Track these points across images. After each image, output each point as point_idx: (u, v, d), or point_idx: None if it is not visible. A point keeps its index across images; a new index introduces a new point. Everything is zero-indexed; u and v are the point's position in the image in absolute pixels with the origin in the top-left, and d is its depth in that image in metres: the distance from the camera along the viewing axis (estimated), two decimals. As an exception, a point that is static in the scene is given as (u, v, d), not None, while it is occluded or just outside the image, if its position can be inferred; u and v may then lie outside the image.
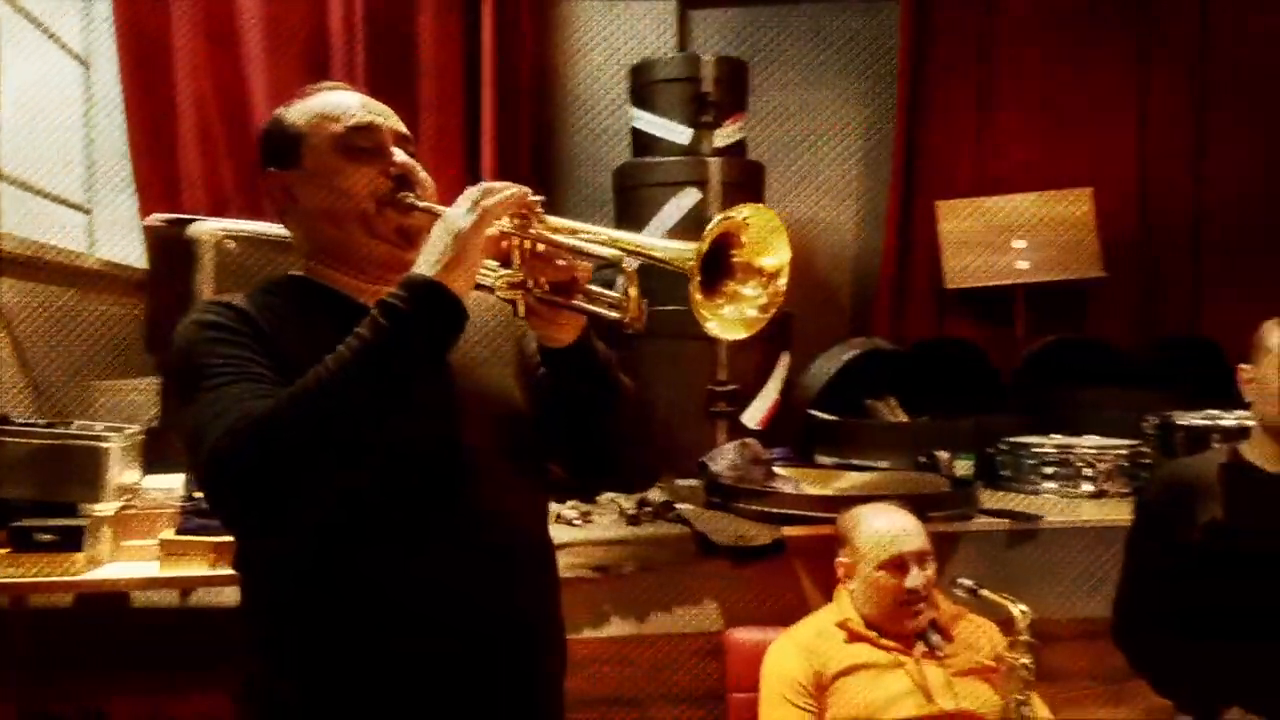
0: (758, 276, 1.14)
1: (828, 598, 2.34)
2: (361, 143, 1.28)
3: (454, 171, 3.89)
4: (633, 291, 1.14)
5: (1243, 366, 1.95)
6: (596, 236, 1.18)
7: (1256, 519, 1.86)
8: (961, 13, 4.26)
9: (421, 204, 1.25)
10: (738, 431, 3.34)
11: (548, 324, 1.23)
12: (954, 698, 2.07)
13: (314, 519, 1.12)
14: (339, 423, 1.07)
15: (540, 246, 1.18)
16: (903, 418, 3.52)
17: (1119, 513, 2.75)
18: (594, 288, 1.20)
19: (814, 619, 2.25)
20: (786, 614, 2.40)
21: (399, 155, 1.28)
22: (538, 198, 1.19)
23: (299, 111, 1.32)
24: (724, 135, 3.83)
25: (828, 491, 2.77)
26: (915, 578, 2.11)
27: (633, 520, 2.68)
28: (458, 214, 1.16)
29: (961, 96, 4.27)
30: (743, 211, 1.13)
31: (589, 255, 1.17)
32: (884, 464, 3.13)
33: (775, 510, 2.65)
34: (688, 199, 3.73)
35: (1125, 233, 4.15)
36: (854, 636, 2.14)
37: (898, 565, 2.12)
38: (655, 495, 2.72)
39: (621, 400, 1.30)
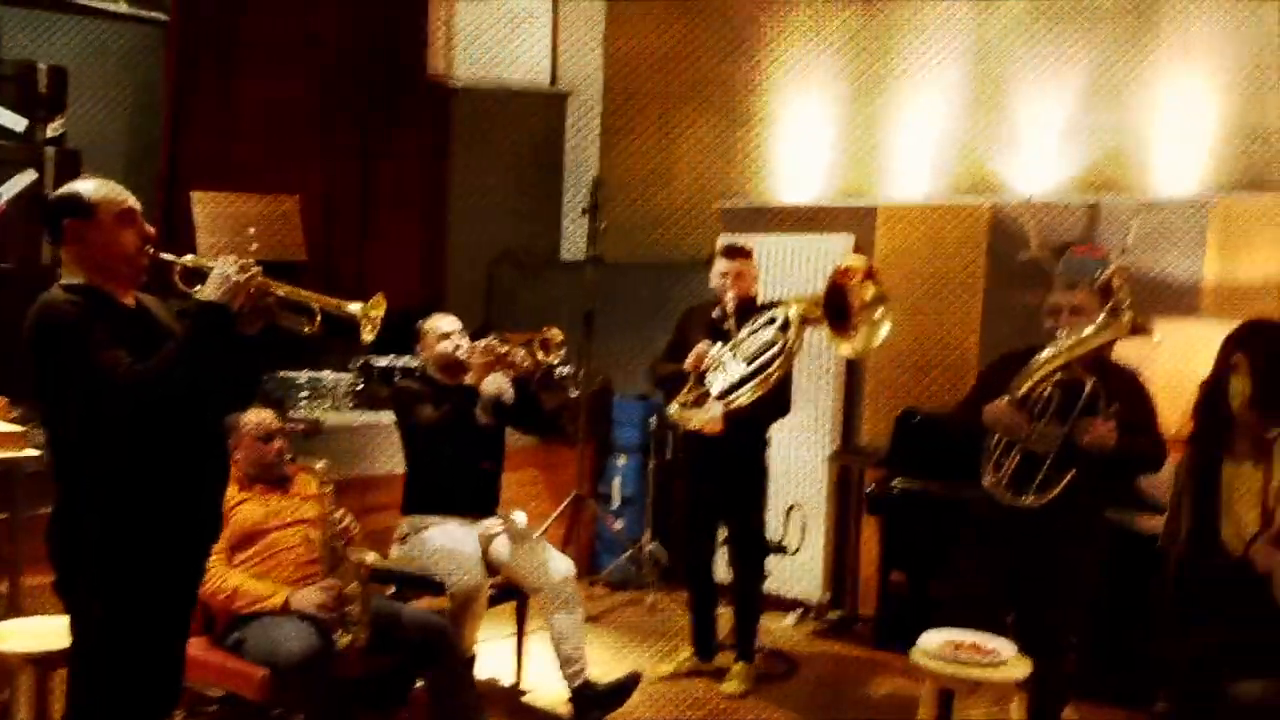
0: (370, 322, 2.57)
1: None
2: (129, 218, 2.37)
3: None
4: (324, 314, 2.52)
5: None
6: (298, 293, 2.55)
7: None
8: (214, 43, 5.59)
9: (164, 255, 2.42)
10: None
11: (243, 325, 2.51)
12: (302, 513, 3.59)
13: (159, 421, 2.28)
14: (181, 375, 2.26)
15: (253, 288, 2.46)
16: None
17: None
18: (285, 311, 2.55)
19: None
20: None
21: (148, 227, 2.41)
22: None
23: (91, 191, 2.35)
24: (53, 128, 4.75)
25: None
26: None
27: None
28: (232, 270, 2.34)
29: (211, 108, 5.62)
30: (382, 302, 2.61)
31: (290, 302, 2.55)
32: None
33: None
34: (26, 177, 4.59)
35: (316, 229, 5.97)
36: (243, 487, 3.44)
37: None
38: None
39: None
